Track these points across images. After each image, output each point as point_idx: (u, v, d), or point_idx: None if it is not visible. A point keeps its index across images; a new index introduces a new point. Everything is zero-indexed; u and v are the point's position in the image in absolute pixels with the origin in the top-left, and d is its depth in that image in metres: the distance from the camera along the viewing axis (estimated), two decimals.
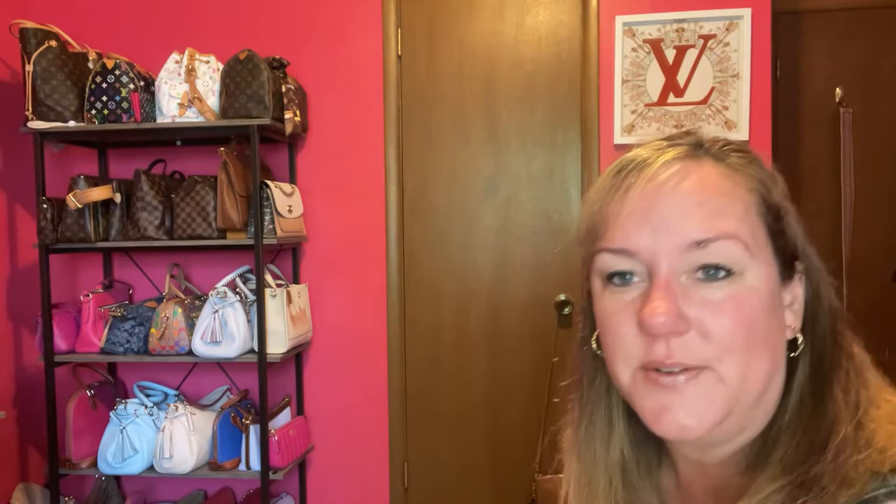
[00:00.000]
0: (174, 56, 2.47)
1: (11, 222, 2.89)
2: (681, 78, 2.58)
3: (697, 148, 0.63)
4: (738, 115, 2.55)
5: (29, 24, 2.43)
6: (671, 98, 2.59)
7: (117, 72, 2.43)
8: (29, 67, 2.42)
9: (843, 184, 2.95)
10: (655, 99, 2.60)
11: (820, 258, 0.66)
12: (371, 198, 2.76)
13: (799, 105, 3.00)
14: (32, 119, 2.45)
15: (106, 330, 2.55)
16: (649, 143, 0.65)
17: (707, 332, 0.58)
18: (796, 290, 0.65)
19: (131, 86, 2.44)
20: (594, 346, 0.68)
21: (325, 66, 2.76)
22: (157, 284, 2.80)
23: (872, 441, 0.56)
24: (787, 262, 0.63)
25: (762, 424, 0.63)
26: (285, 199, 2.53)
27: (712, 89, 2.57)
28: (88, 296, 2.58)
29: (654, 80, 2.60)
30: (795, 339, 0.64)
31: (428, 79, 2.77)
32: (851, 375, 0.61)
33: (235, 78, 2.42)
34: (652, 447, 0.72)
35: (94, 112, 2.45)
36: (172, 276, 2.67)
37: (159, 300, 2.61)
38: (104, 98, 2.44)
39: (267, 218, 2.45)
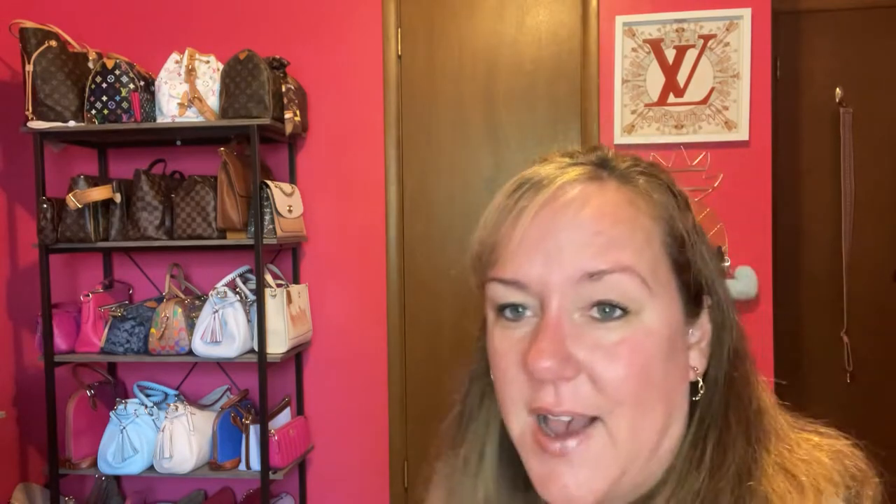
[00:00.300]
0: (174, 56, 2.47)
1: (11, 222, 2.89)
2: (681, 78, 2.58)
3: (601, 168, 0.58)
4: (738, 115, 2.55)
5: (29, 24, 2.43)
6: (671, 98, 2.59)
7: (117, 72, 2.43)
8: (29, 67, 2.42)
9: (843, 183, 2.95)
10: (655, 99, 2.60)
11: (729, 294, 0.61)
12: (371, 198, 2.76)
13: (799, 105, 3.00)
14: (32, 119, 2.45)
15: (106, 330, 2.55)
16: (551, 160, 0.60)
17: (597, 379, 0.53)
18: (706, 327, 0.60)
19: (131, 86, 2.44)
20: (489, 379, 0.63)
21: (325, 66, 2.76)
22: (157, 284, 2.80)
23: (752, 499, 0.53)
24: (693, 296, 0.58)
25: (657, 477, 0.58)
26: (285, 199, 2.53)
27: (712, 89, 2.57)
28: (88, 296, 2.58)
29: (654, 80, 2.60)
30: (698, 382, 0.59)
31: (428, 79, 2.77)
32: (733, 430, 0.57)
33: (235, 78, 2.42)
34: (520, 496, 0.65)
35: (94, 112, 2.45)
36: (172, 276, 2.67)
37: (159, 300, 2.61)
38: (104, 98, 2.44)
39: (267, 218, 2.45)
